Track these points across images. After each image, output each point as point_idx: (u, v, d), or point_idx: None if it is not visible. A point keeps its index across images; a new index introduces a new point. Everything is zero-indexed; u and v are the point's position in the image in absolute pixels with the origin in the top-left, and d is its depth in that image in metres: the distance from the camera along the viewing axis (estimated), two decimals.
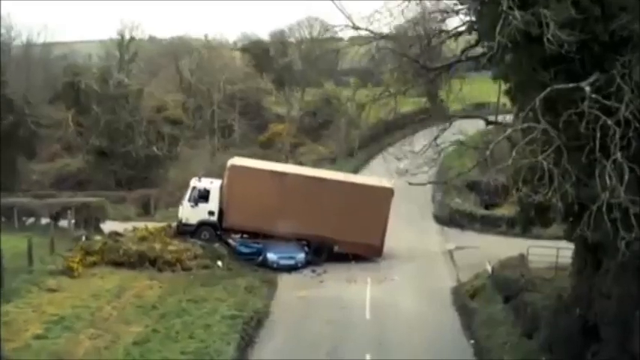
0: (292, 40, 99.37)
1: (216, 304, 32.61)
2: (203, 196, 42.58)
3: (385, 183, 43.59)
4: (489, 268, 35.28)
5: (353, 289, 37.15)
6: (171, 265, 38.30)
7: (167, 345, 27.17)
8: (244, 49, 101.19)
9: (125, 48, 68.53)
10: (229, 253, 41.26)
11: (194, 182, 43.34)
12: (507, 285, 32.15)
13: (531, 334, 26.49)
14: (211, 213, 42.50)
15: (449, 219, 53.23)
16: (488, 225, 50.71)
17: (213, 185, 43.08)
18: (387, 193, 43.35)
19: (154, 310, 31.24)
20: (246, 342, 28.78)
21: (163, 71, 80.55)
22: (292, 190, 41.88)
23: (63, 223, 46.00)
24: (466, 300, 34.23)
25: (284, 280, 38.90)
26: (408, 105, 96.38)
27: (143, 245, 39.35)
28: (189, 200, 42.55)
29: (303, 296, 35.85)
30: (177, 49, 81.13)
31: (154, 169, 63.15)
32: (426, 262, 42.69)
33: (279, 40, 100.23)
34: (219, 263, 39.68)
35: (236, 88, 78.76)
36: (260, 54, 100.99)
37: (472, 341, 29.24)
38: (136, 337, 27.64)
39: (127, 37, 68.75)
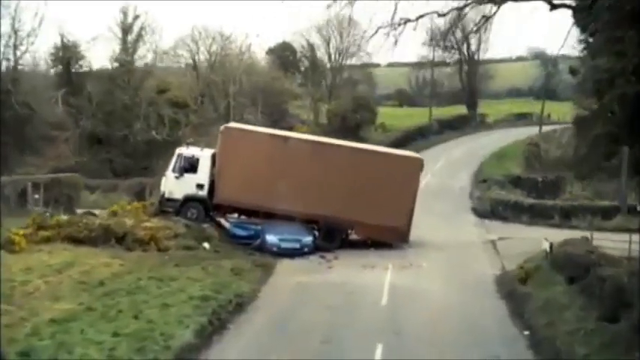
0: (319, 40, 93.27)
1: (187, 283, 25.06)
2: (190, 165, 34.82)
3: (412, 153, 35.65)
4: (547, 246, 27.18)
5: (369, 275, 29.18)
6: (144, 243, 30.62)
7: (97, 325, 19.60)
8: (270, 50, 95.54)
9: (129, 26, 61.82)
10: (221, 235, 33.72)
11: (180, 150, 35.73)
12: (572, 263, 24.12)
13: (616, 315, 18.39)
14: (200, 186, 34.72)
15: (490, 211, 45.03)
16: (538, 216, 42.61)
17: (203, 153, 35.35)
18: (415, 164, 35.36)
19: (100, 288, 23.73)
20: (215, 327, 21.17)
21: (175, 58, 74.10)
22: (298, 159, 34.14)
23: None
24: (515, 285, 26.13)
25: (284, 264, 31.10)
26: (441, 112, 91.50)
27: (110, 220, 31.92)
28: (174, 170, 34.90)
29: (303, 281, 28.03)
30: (193, 38, 74.57)
31: (154, 158, 55.68)
32: (463, 250, 34.75)
33: (307, 40, 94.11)
34: (206, 245, 31.95)
35: (254, 80, 71.99)
36: (286, 55, 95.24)
37: (526, 332, 21.13)
38: (58, 315, 20.14)
39: (131, 14, 61.92)
